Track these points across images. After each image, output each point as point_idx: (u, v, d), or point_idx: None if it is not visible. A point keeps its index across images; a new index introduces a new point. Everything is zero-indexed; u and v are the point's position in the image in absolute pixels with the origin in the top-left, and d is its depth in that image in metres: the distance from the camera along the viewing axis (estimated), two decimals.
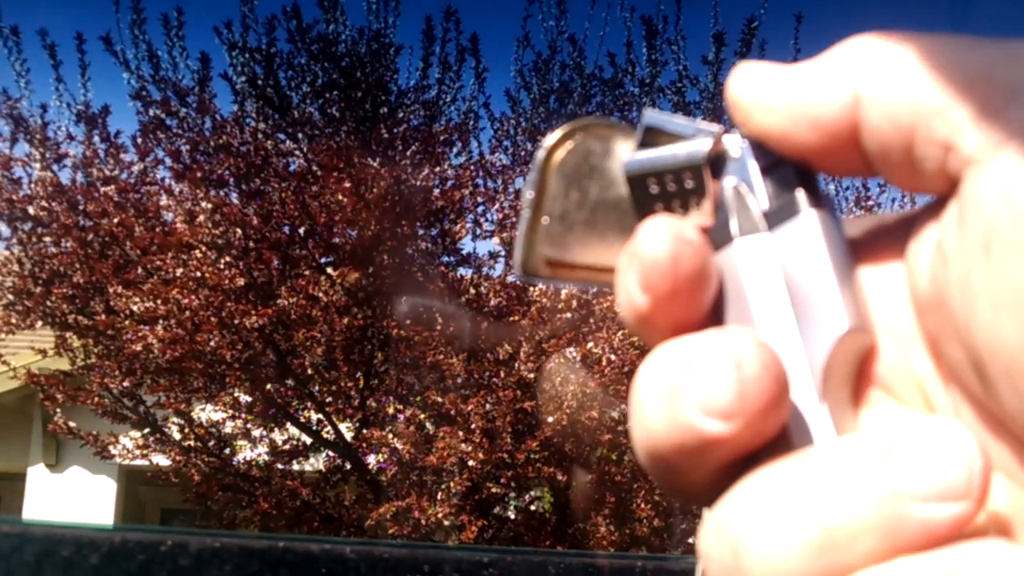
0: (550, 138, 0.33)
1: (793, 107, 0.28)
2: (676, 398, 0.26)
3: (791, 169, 0.29)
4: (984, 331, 0.24)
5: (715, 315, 0.30)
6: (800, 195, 0.29)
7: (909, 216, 0.29)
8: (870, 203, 8.19)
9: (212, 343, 6.36)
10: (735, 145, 0.30)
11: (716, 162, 0.30)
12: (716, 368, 0.26)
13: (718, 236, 0.30)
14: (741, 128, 0.30)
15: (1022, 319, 0.23)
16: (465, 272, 7.14)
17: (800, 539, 0.24)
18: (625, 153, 0.33)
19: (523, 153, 7.82)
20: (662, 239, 0.28)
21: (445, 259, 7.23)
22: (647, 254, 0.28)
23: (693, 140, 0.31)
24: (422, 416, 6.37)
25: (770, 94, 0.29)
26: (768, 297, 0.29)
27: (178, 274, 6.45)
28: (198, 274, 6.39)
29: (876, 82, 0.27)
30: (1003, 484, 0.26)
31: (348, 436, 7.03)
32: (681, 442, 0.26)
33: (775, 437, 0.27)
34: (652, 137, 0.32)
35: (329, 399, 7.08)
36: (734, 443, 0.26)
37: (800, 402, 0.28)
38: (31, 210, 7.25)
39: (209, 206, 6.63)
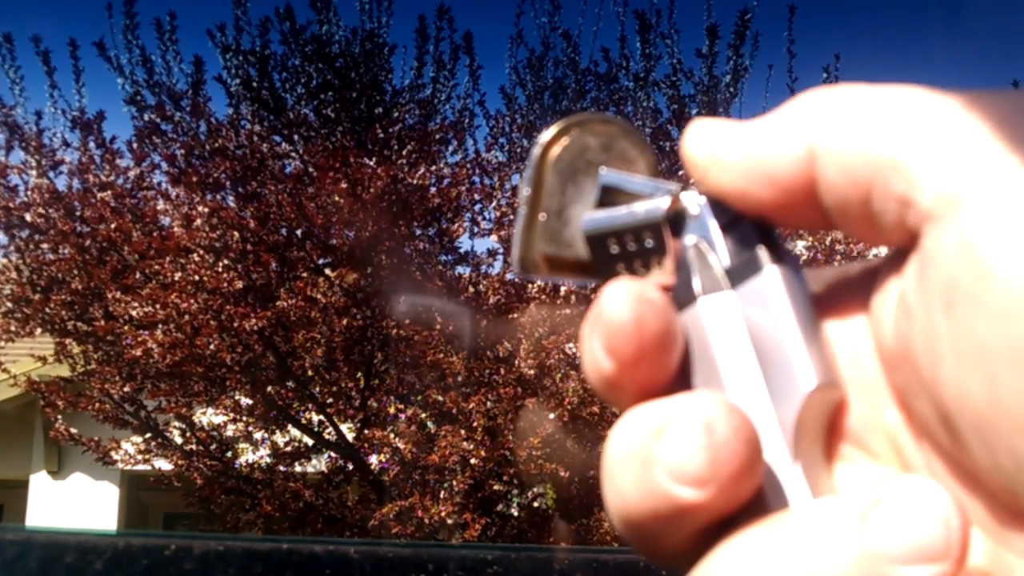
0: (545, 134, 0.33)
1: (748, 163, 0.28)
2: (648, 465, 0.26)
3: (751, 225, 0.29)
4: (951, 387, 0.24)
5: (683, 376, 0.29)
6: (761, 251, 0.29)
7: (873, 267, 0.29)
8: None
9: (212, 346, 6.36)
10: (693, 202, 0.30)
11: (675, 220, 0.30)
12: (687, 434, 0.25)
13: (681, 295, 0.30)
14: (699, 185, 0.30)
15: (988, 376, 0.23)
16: (463, 270, 7.15)
17: None
18: (620, 149, 0.33)
19: (519, 150, 7.82)
20: (624, 302, 0.28)
21: (443, 258, 7.23)
22: (610, 318, 0.28)
23: (651, 198, 0.30)
24: (423, 415, 6.37)
25: (725, 151, 0.28)
26: (735, 356, 0.28)
27: (176, 278, 6.44)
28: (196, 278, 6.38)
29: (831, 135, 0.26)
30: (980, 539, 0.26)
31: (350, 437, 7.03)
32: (655, 509, 0.26)
33: (750, 500, 0.26)
34: (610, 196, 0.32)
35: (330, 400, 7.08)
36: (709, 509, 0.26)
37: (773, 463, 0.27)
38: (28, 217, 7.24)
39: (206, 210, 6.63)
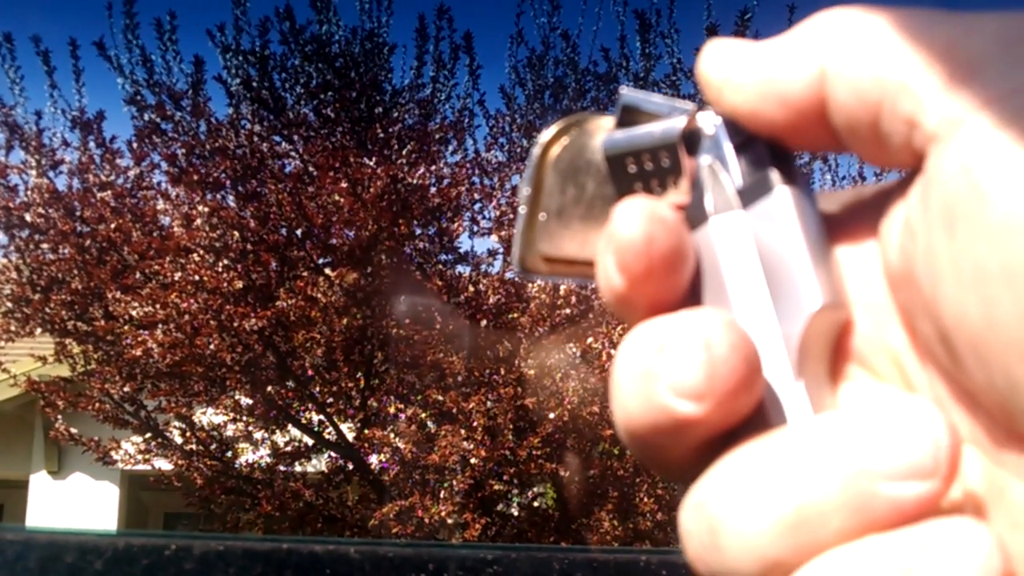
0: (545, 134, 0.33)
1: (761, 84, 0.28)
2: (650, 380, 0.27)
3: (764, 146, 0.29)
4: (949, 307, 0.24)
5: (692, 294, 0.30)
6: (773, 172, 0.29)
7: (885, 189, 0.29)
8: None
9: (212, 346, 6.36)
10: (709, 123, 0.30)
11: (691, 140, 0.30)
12: (686, 350, 0.26)
13: (694, 214, 0.30)
14: (713, 105, 0.30)
15: (985, 296, 0.23)
16: (463, 270, 7.15)
17: (774, 517, 0.25)
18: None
19: (519, 150, 7.82)
20: (636, 220, 0.28)
21: (443, 257, 7.23)
22: (621, 235, 0.28)
23: (668, 118, 0.31)
24: (423, 415, 6.37)
25: (739, 72, 0.29)
26: (743, 275, 0.29)
27: (176, 278, 6.44)
28: (196, 278, 6.38)
29: (842, 58, 0.27)
30: (977, 459, 0.26)
31: (350, 436, 7.03)
32: (656, 422, 0.27)
33: (751, 415, 0.27)
34: (630, 116, 0.32)
35: (330, 400, 7.08)
36: (708, 423, 0.26)
37: (776, 379, 0.28)
38: (28, 217, 7.24)
39: (206, 209, 6.63)
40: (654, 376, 0.27)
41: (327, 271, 7.01)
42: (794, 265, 0.28)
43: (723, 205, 0.29)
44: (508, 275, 6.81)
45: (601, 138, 0.33)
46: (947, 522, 0.24)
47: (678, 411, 0.26)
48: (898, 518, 0.24)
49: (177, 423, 7.00)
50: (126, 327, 6.56)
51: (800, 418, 0.27)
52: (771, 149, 0.29)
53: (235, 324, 6.31)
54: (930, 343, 0.26)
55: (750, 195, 0.29)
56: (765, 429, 0.27)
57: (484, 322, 6.48)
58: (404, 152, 7.22)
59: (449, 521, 5.97)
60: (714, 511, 0.26)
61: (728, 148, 0.30)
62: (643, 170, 0.31)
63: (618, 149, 0.32)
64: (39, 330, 7.29)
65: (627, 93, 0.32)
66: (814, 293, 0.27)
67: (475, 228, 7.31)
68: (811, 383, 0.28)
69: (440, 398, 6.25)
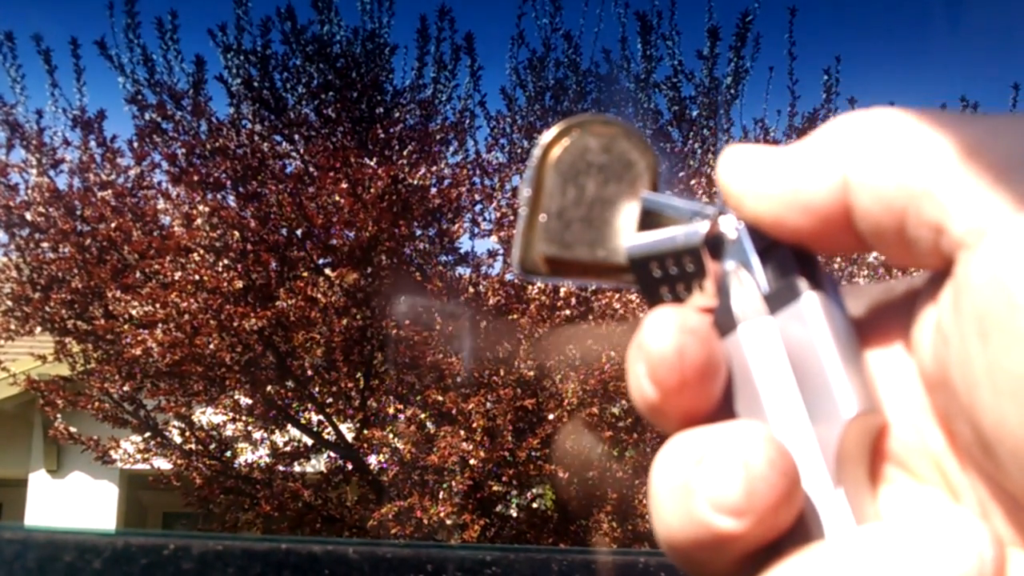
0: (546, 135, 0.33)
1: (784, 194, 0.28)
2: (689, 495, 0.27)
3: (788, 251, 0.29)
4: (988, 415, 0.24)
5: (727, 402, 0.29)
6: (799, 278, 0.29)
7: (914, 289, 0.29)
8: None
9: (211, 346, 6.36)
10: (731, 227, 0.30)
11: (714, 244, 0.30)
12: (724, 467, 0.26)
13: (723, 320, 0.30)
14: (735, 212, 0.30)
15: (1023, 406, 0.23)
16: (464, 271, 7.15)
17: None
18: (623, 149, 0.33)
19: (519, 151, 7.83)
20: (667, 333, 0.28)
21: (443, 258, 7.23)
22: (653, 349, 0.28)
23: (690, 223, 0.31)
24: (423, 415, 6.37)
25: (760, 181, 0.29)
26: (776, 384, 0.29)
27: (176, 278, 6.44)
28: (196, 277, 6.38)
29: (864, 165, 0.27)
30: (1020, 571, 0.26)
31: (349, 437, 7.03)
32: (697, 537, 0.27)
33: (792, 527, 0.27)
34: (651, 218, 0.32)
35: (329, 400, 7.08)
36: (748, 538, 0.26)
37: (816, 490, 0.27)
38: (28, 216, 7.24)
39: (206, 209, 6.63)
40: (693, 492, 0.26)
41: (327, 271, 7.01)
42: (826, 372, 0.28)
43: (751, 311, 0.29)
44: (508, 276, 6.81)
45: (625, 242, 0.33)
46: None
47: (718, 527, 0.26)
48: None
49: (176, 423, 7.00)
50: (126, 326, 6.56)
51: (840, 530, 0.27)
52: (796, 254, 0.29)
53: (235, 324, 6.31)
54: (970, 447, 0.26)
55: (777, 301, 0.29)
56: (807, 541, 0.27)
57: (484, 323, 6.48)
58: (405, 153, 7.22)
59: (448, 522, 5.97)
60: None
61: (752, 253, 0.30)
62: (667, 274, 0.31)
63: (642, 253, 0.32)
64: (39, 329, 7.29)
65: (649, 197, 0.32)
66: (848, 400, 0.27)
67: (475, 229, 7.32)
68: (851, 491, 0.27)
69: (440, 399, 6.25)
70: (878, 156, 0.27)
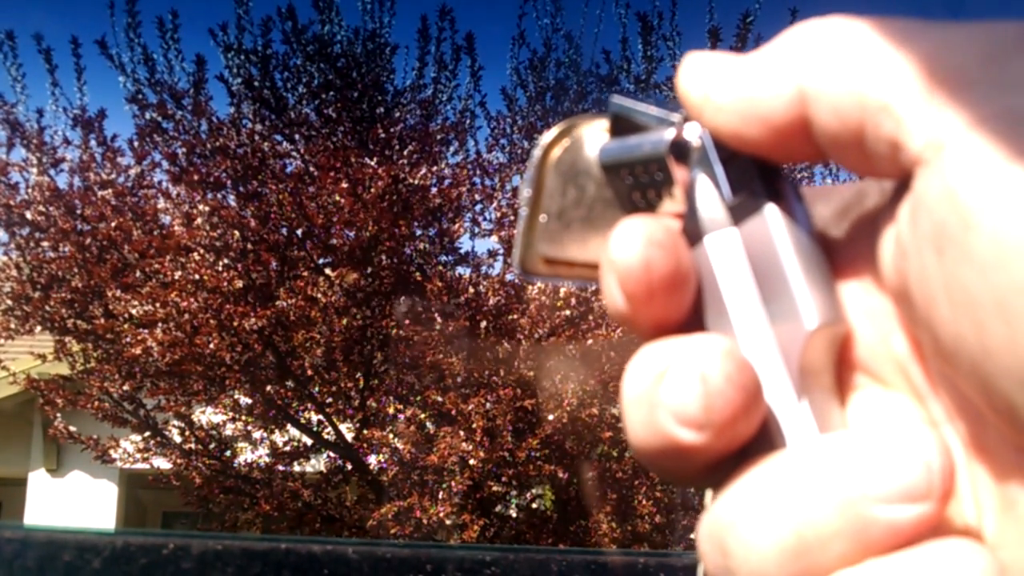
0: (546, 136, 0.33)
1: (741, 105, 0.28)
2: (652, 407, 0.27)
3: (751, 161, 0.29)
4: (945, 328, 0.24)
5: (696, 311, 0.30)
6: (761, 190, 0.29)
7: (880, 193, 0.29)
8: None
9: (211, 345, 6.36)
10: (695, 135, 0.30)
11: (679, 152, 0.30)
12: (683, 381, 0.27)
13: (690, 229, 0.30)
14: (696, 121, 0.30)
15: (978, 323, 0.23)
16: (464, 271, 7.15)
17: (776, 543, 0.25)
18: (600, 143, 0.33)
19: (520, 151, 7.82)
20: (634, 245, 0.28)
21: (443, 258, 7.23)
22: (620, 260, 0.28)
23: (656, 131, 0.31)
24: (422, 416, 6.36)
25: (718, 91, 0.29)
26: (740, 295, 0.29)
27: (176, 277, 6.44)
28: (196, 277, 6.38)
29: (820, 76, 0.26)
30: (987, 471, 0.26)
31: (349, 437, 7.03)
32: (662, 446, 0.27)
33: (756, 438, 0.27)
34: (621, 124, 0.32)
35: (329, 400, 7.08)
36: (711, 448, 0.27)
37: (780, 401, 0.28)
38: (29, 215, 7.24)
39: (206, 208, 6.63)
40: (656, 404, 0.27)
41: (327, 271, 7.01)
42: (789, 284, 0.28)
43: (716, 222, 0.29)
44: (508, 276, 6.81)
45: (599, 143, 0.33)
46: (945, 544, 0.24)
47: (679, 438, 0.27)
48: (896, 541, 0.24)
49: (176, 422, 7.00)
50: (126, 325, 6.56)
51: (799, 441, 0.27)
52: (758, 164, 0.29)
53: (235, 323, 6.31)
54: (931, 356, 0.26)
55: (740, 212, 0.29)
56: (770, 451, 0.27)
57: (484, 323, 6.48)
58: (405, 152, 7.22)
59: (447, 522, 5.97)
60: (723, 535, 0.26)
61: (716, 163, 0.29)
62: (638, 180, 0.31)
63: (611, 161, 0.32)
64: (39, 328, 7.29)
65: (616, 102, 0.32)
66: (810, 313, 0.27)
67: (476, 229, 7.32)
68: (815, 401, 0.28)
69: (439, 399, 6.25)
70: (834, 67, 0.26)
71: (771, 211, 0.28)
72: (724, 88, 0.28)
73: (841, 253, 0.29)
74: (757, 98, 0.28)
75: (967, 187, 0.23)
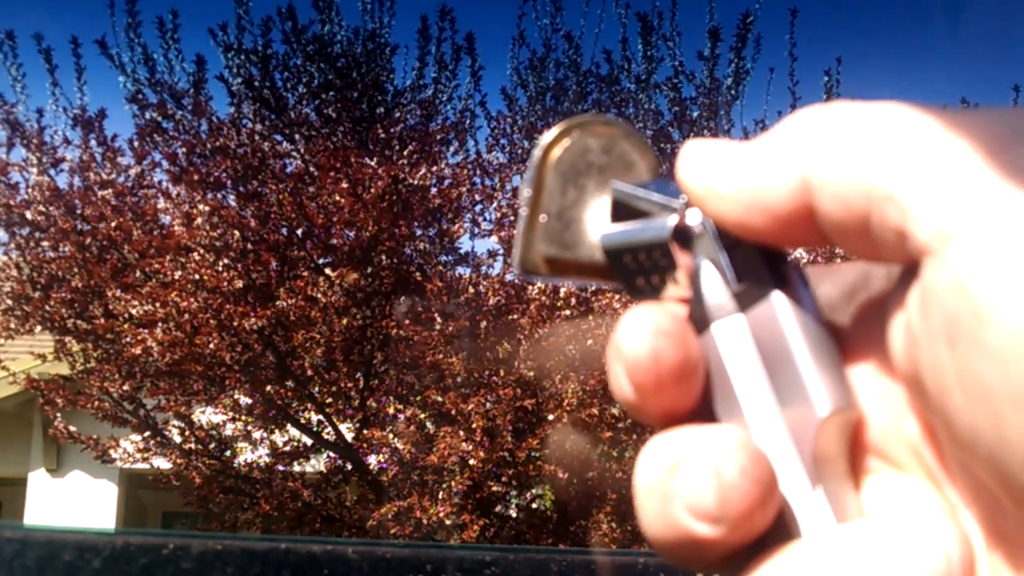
0: (547, 136, 0.33)
1: (744, 195, 0.28)
2: (666, 500, 0.27)
3: (755, 248, 0.29)
4: (960, 418, 0.24)
5: (706, 399, 0.30)
6: (766, 277, 0.29)
7: (892, 274, 0.28)
8: None
9: (211, 345, 6.36)
10: (698, 221, 0.30)
11: (682, 237, 0.30)
12: (697, 475, 0.26)
13: (697, 317, 0.30)
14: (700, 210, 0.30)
15: (994, 414, 0.23)
16: (464, 271, 7.15)
17: None
18: (622, 154, 0.33)
19: (520, 151, 7.82)
20: (642, 336, 0.28)
21: (443, 258, 7.23)
22: (628, 352, 0.28)
23: (658, 217, 0.31)
24: (422, 416, 6.36)
25: (720, 181, 0.28)
26: (751, 384, 0.29)
27: (176, 277, 6.44)
28: (196, 276, 6.38)
29: (825, 165, 0.26)
30: (1002, 559, 0.26)
31: (349, 437, 7.02)
32: (677, 538, 0.27)
33: (773, 528, 0.27)
34: (623, 208, 0.32)
35: (329, 400, 7.08)
36: (727, 541, 0.27)
37: (795, 491, 0.28)
38: (29, 215, 7.24)
39: (206, 208, 6.63)
40: (669, 497, 0.27)
41: (327, 271, 7.00)
42: (798, 372, 0.28)
43: (722, 309, 0.29)
44: (508, 276, 6.81)
45: (599, 232, 0.33)
46: None
47: (695, 532, 0.27)
48: None
49: (176, 422, 7.00)
50: (126, 325, 6.56)
51: (816, 531, 0.27)
52: (762, 251, 0.29)
53: (235, 323, 6.30)
54: (946, 443, 0.26)
55: (747, 299, 0.29)
56: (786, 541, 0.27)
57: (484, 323, 6.48)
58: (405, 153, 7.22)
59: (447, 522, 5.97)
60: None
61: (720, 250, 0.29)
62: (641, 265, 0.31)
63: (614, 245, 0.32)
64: (39, 328, 7.28)
65: (617, 188, 0.32)
66: (822, 399, 0.27)
67: (476, 229, 7.32)
68: (831, 488, 0.28)
69: (439, 399, 6.25)
70: (838, 155, 0.26)
71: (778, 297, 0.28)
72: (727, 178, 0.28)
73: (849, 337, 0.29)
74: (761, 188, 0.27)
75: (978, 279, 0.23)
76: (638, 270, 0.32)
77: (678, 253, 0.30)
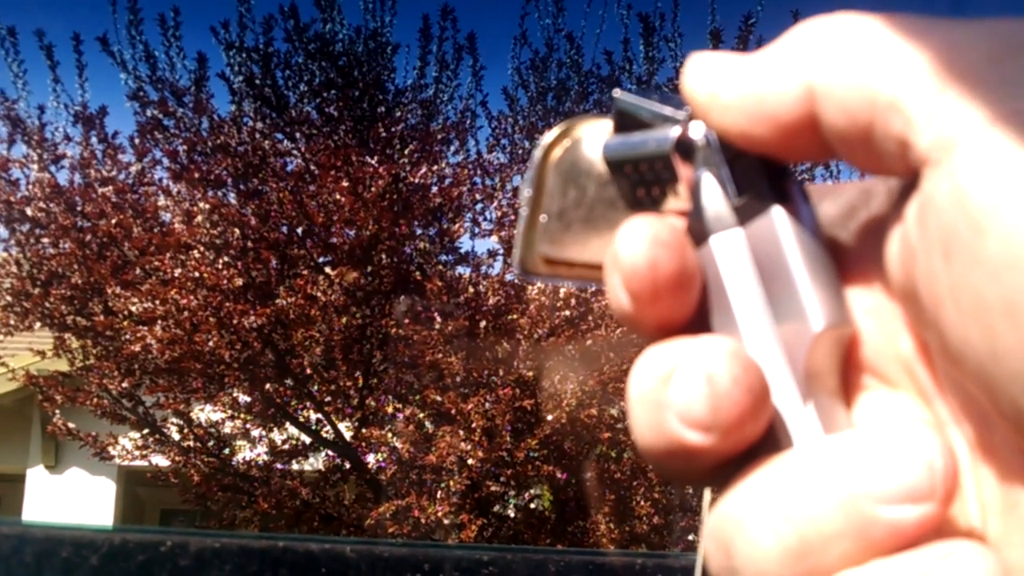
0: (547, 136, 0.33)
1: (748, 104, 0.28)
2: (659, 408, 0.27)
3: (758, 161, 0.29)
4: (953, 331, 0.24)
5: (702, 312, 0.30)
6: (767, 190, 0.29)
7: (891, 190, 0.29)
8: None
9: (211, 343, 6.35)
10: (701, 133, 0.30)
11: (685, 150, 0.30)
12: (690, 383, 0.27)
13: (695, 229, 0.30)
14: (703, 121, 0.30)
15: (987, 327, 0.23)
16: (464, 270, 7.14)
17: (779, 544, 0.25)
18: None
19: (521, 151, 7.82)
20: (639, 244, 0.28)
21: (443, 258, 7.23)
22: (625, 260, 0.28)
23: (661, 128, 0.30)
24: (421, 415, 6.36)
25: (724, 90, 0.28)
26: (746, 297, 0.29)
27: (176, 274, 6.44)
28: (196, 274, 6.38)
29: (828, 72, 0.26)
30: (991, 473, 0.26)
31: (347, 435, 7.02)
32: (669, 448, 0.27)
33: (763, 438, 0.27)
34: (625, 120, 0.32)
35: (328, 398, 7.08)
36: (718, 450, 0.27)
37: (786, 403, 0.28)
38: (29, 211, 7.24)
39: (207, 206, 6.63)
40: (663, 405, 0.27)
41: (327, 270, 7.00)
42: (794, 286, 0.28)
43: (720, 223, 0.29)
44: (508, 276, 6.81)
45: (601, 142, 0.33)
46: (948, 545, 0.24)
47: (687, 440, 0.27)
48: (900, 542, 0.24)
49: (175, 419, 7.00)
50: (125, 323, 6.56)
51: (804, 442, 0.27)
52: (765, 164, 0.29)
53: (234, 321, 6.30)
54: (938, 358, 0.26)
55: (746, 213, 0.29)
56: (776, 452, 0.27)
57: (483, 323, 6.48)
58: (406, 152, 7.22)
59: (445, 522, 5.97)
60: (728, 535, 0.26)
61: (722, 163, 0.29)
62: (642, 177, 0.31)
63: (616, 156, 0.32)
64: (38, 324, 7.29)
65: (620, 98, 0.32)
66: (816, 314, 0.27)
67: (476, 229, 7.32)
68: (821, 403, 0.28)
69: (438, 398, 6.25)
70: (843, 64, 0.26)
71: (777, 212, 0.28)
72: (731, 87, 0.28)
73: (847, 253, 0.29)
74: (764, 96, 0.27)
75: (978, 189, 0.23)
76: (639, 181, 0.32)
77: (680, 165, 0.30)
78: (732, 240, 0.29)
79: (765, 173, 0.29)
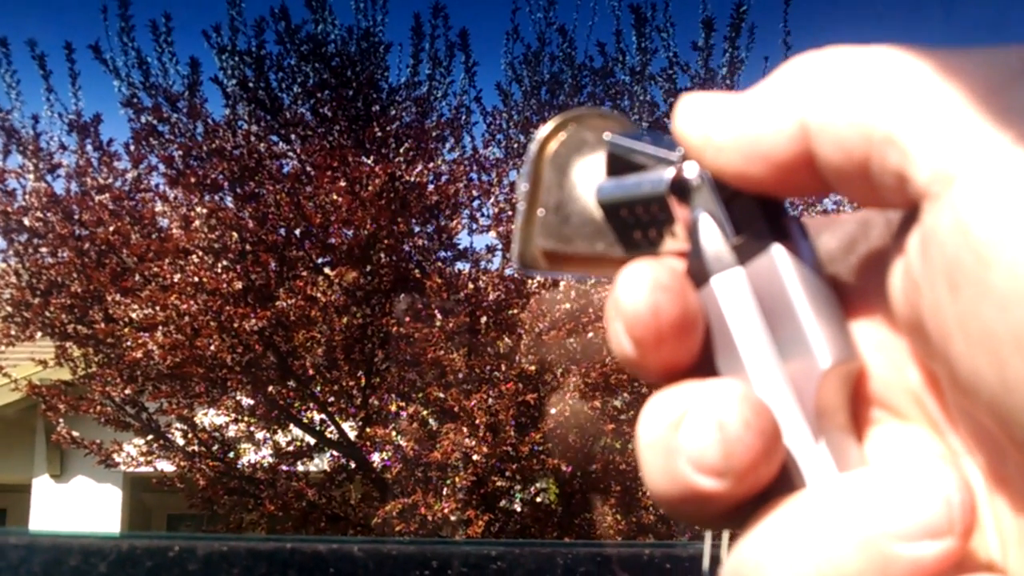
0: (543, 130, 0.33)
1: (742, 144, 0.27)
2: (670, 456, 0.27)
3: (754, 200, 0.29)
4: (962, 364, 0.24)
5: (707, 354, 0.29)
6: (765, 229, 0.28)
7: (891, 222, 0.28)
8: None
9: (212, 347, 6.35)
10: (695, 173, 0.29)
11: (680, 190, 0.30)
12: (701, 429, 0.26)
13: (696, 270, 0.30)
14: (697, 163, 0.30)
15: (997, 359, 0.23)
16: (463, 267, 7.15)
17: None
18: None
19: (516, 146, 7.82)
20: (641, 290, 0.28)
21: (442, 254, 7.23)
22: (627, 307, 0.28)
23: (655, 170, 0.30)
24: (425, 412, 6.37)
25: (717, 132, 0.28)
26: (752, 337, 0.29)
27: (176, 280, 6.44)
28: (196, 279, 6.38)
29: (822, 109, 0.26)
30: (1007, 504, 0.26)
31: (352, 435, 7.03)
32: (682, 494, 0.27)
33: (777, 480, 0.27)
34: (618, 162, 0.32)
35: (331, 399, 7.08)
36: (731, 494, 0.27)
37: (798, 443, 0.28)
38: (26, 221, 7.24)
39: (204, 211, 6.62)
40: (673, 452, 0.27)
41: (326, 270, 7.00)
42: (799, 323, 0.28)
43: (721, 262, 0.29)
44: (508, 271, 6.81)
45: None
46: None
47: (700, 486, 0.27)
48: None
49: (179, 425, 7.00)
50: (126, 329, 6.56)
51: (819, 482, 0.27)
52: (761, 202, 0.29)
53: (235, 325, 6.30)
54: (948, 389, 0.26)
55: (746, 252, 0.29)
56: (790, 492, 0.27)
57: (484, 319, 6.48)
58: (401, 150, 7.22)
59: (452, 518, 5.97)
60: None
61: (718, 202, 0.29)
62: (638, 219, 0.31)
63: (610, 199, 0.32)
64: (39, 334, 7.28)
65: (612, 140, 0.32)
66: (823, 351, 0.27)
67: (474, 225, 7.31)
68: (833, 440, 0.28)
69: (441, 395, 6.25)
70: (835, 99, 0.26)
71: (777, 250, 0.28)
72: (723, 128, 0.28)
73: (849, 288, 0.29)
74: (758, 136, 0.27)
75: (981, 222, 0.23)
76: (635, 224, 0.31)
77: (676, 206, 0.30)
78: (733, 280, 0.29)
79: (762, 211, 0.29)
